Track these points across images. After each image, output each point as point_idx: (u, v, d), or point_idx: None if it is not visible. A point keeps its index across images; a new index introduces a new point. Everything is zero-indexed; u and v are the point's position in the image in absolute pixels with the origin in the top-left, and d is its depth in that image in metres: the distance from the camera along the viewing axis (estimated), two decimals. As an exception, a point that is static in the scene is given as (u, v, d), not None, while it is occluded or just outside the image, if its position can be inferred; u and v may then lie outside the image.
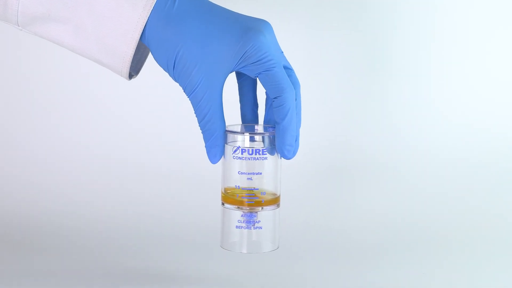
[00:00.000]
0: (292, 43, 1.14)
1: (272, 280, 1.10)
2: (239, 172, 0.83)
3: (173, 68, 0.81)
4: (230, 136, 0.83)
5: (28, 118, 1.46)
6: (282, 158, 0.84)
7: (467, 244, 1.26)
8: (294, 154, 0.83)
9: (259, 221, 0.84)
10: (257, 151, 0.83)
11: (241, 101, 0.88)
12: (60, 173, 1.43)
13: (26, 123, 1.46)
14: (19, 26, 0.82)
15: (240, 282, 1.09)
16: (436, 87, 1.44)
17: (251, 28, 0.80)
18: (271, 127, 0.85)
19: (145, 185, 1.41)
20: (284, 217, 0.91)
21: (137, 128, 1.45)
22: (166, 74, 1.42)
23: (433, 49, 1.44)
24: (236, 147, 0.83)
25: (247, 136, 0.83)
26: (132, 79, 0.86)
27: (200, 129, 0.82)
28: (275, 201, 0.84)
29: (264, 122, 0.87)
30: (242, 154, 0.82)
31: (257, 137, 0.84)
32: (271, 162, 0.83)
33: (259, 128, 0.86)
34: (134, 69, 0.86)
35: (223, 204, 0.85)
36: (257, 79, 0.86)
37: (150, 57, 0.89)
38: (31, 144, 1.45)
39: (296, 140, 0.83)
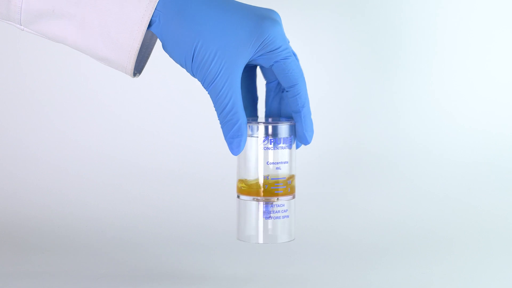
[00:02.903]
0: (297, 41, 1.13)
1: (272, 280, 1.10)
2: (268, 163, 0.82)
3: (191, 61, 0.80)
4: (254, 128, 0.83)
5: (28, 118, 1.46)
6: (300, 145, 0.85)
7: (469, 245, 1.26)
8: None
9: (286, 210, 0.84)
10: (285, 139, 0.83)
11: (241, 94, 0.87)
12: (60, 173, 1.42)
13: (27, 123, 1.46)
14: (21, 25, 0.82)
15: (240, 282, 1.09)
16: (443, 88, 1.44)
17: (266, 17, 0.81)
18: (285, 118, 0.86)
19: (145, 185, 1.41)
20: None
21: (137, 128, 1.45)
22: (167, 74, 1.44)
23: (442, 50, 1.44)
24: (264, 137, 0.82)
25: (276, 126, 0.83)
26: (135, 78, 0.86)
27: (220, 121, 0.81)
28: (294, 190, 0.84)
29: (266, 114, 0.87)
30: (271, 144, 0.82)
31: (283, 126, 0.83)
32: (293, 151, 0.84)
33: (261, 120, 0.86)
34: (137, 68, 0.85)
35: (238, 197, 0.84)
36: (257, 69, 0.87)
37: (152, 58, 0.89)
38: (31, 144, 1.45)
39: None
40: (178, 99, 1.45)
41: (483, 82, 1.44)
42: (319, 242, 1.26)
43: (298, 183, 0.88)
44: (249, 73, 0.86)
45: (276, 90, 0.86)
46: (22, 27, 0.82)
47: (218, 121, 0.81)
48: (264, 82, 0.88)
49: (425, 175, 1.41)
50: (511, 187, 1.40)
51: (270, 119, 0.86)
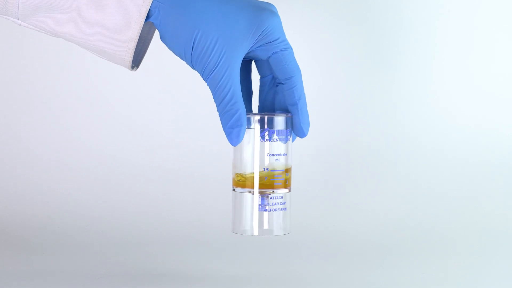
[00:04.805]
0: (298, 39, 1.14)
1: (272, 279, 1.10)
2: (268, 154, 0.83)
3: (191, 52, 0.80)
4: (253, 119, 0.83)
5: (27, 117, 1.46)
6: (296, 137, 0.86)
7: (470, 244, 1.26)
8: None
9: (284, 203, 0.84)
10: (284, 131, 0.84)
11: None
12: (59, 172, 1.42)
13: (26, 122, 1.46)
14: (19, 19, 0.82)
15: (239, 281, 1.09)
16: (443, 85, 1.44)
17: (265, 9, 0.82)
18: (280, 112, 0.86)
19: (145, 184, 1.41)
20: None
21: (137, 126, 1.45)
22: (167, 72, 1.44)
23: (441, 47, 1.43)
24: (264, 129, 0.83)
25: (275, 118, 0.84)
26: (133, 72, 0.86)
27: (219, 112, 0.81)
28: (291, 183, 0.85)
29: (259, 108, 0.87)
30: (270, 136, 0.83)
31: (282, 118, 0.84)
32: (290, 143, 0.85)
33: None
34: (135, 61, 0.85)
35: (234, 189, 0.84)
36: (253, 63, 0.87)
37: (152, 57, 0.89)
38: (30, 143, 1.45)
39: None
40: (178, 97, 1.45)
41: (485, 80, 1.44)
42: (317, 240, 1.26)
43: (295, 178, 0.88)
44: (244, 67, 0.87)
45: (271, 84, 0.87)
46: (19, 21, 0.82)
47: (217, 112, 0.81)
48: (258, 77, 0.88)
49: (424, 173, 1.40)
50: (512, 186, 1.40)
51: (266, 113, 0.86)
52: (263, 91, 0.87)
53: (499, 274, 1.14)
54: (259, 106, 0.88)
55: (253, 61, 0.87)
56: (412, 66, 1.42)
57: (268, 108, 0.87)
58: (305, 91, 0.86)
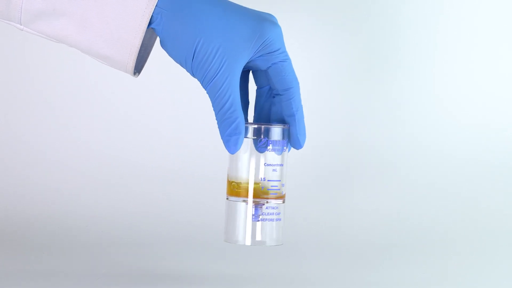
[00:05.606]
0: (297, 42, 1.14)
1: (273, 279, 1.10)
2: (265, 164, 0.82)
3: (191, 60, 0.79)
4: (252, 129, 0.82)
5: (28, 117, 1.46)
6: (292, 149, 0.85)
7: (470, 244, 1.26)
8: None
9: (279, 213, 0.83)
10: (282, 142, 0.83)
11: None
12: (59, 172, 1.42)
13: (27, 122, 1.46)
14: (21, 25, 0.82)
15: (240, 281, 1.09)
16: (444, 86, 1.44)
17: (266, 19, 0.81)
18: (277, 123, 0.85)
19: (146, 184, 1.41)
20: (288, 214, 0.91)
21: (137, 127, 1.45)
22: (167, 75, 1.44)
23: (440, 48, 1.43)
24: (262, 139, 0.82)
25: (274, 128, 0.83)
26: (135, 78, 0.86)
27: (218, 120, 0.80)
28: (285, 194, 0.84)
29: (255, 119, 0.87)
30: (267, 146, 0.82)
31: (281, 129, 0.83)
32: (286, 154, 0.84)
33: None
34: (136, 67, 0.85)
35: (227, 198, 0.84)
36: (250, 73, 0.87)
37: (152, 58, 0.89)
38: (30, 143, 1.45)
39: None
40: (178, 98, 1.46)
41: (485, 80, 1.44)
42: (318, 240, 1.27)
43: (296, 178, 0.87)
44: (242, 77, 0.86)
45: (267, 95, 0.86)
46: (22, 26, 0.82)
47: (216, 120, 0.80)
48: (254, 88, 0.87)
49: (425, 173, 1.41)
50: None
51: (263, 123, 0.86)
52: (260, 102, 0.86)
53: (499, 274, 1.14)
54: (254, 117, 0.87)
55: (250, 71, 0.87)
56: (413, 67, 1.42)
57: (264, 119, 0.87)
58: (306, 91, 0.86)
